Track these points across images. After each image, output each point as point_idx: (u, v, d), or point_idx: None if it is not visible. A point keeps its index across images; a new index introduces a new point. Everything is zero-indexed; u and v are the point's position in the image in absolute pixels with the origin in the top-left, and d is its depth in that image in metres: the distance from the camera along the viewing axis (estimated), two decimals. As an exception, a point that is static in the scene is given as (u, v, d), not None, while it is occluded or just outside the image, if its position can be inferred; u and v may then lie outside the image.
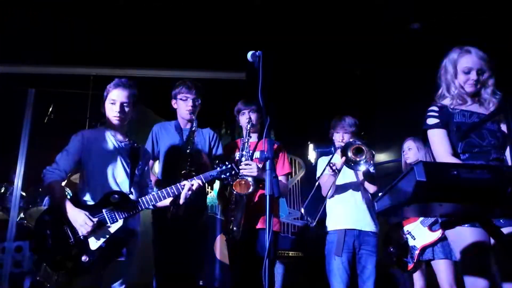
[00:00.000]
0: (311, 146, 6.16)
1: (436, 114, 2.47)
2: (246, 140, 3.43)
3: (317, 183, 3.61)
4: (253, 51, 2.47)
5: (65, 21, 4.98)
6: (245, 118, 3.54)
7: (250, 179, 3.24)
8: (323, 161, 3.70)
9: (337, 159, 3.49)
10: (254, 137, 3.60)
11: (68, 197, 3.01)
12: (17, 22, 4.87)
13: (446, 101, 2.49)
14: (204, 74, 5.85)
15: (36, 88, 4.55)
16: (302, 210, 3.57)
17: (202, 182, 2.80)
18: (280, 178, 3.49)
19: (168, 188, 2.73)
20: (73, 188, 4.58)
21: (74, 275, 2.57)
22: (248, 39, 4.85)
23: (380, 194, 1.84)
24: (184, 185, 2.74)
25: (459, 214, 1.91)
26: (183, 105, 3.40)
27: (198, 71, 5.81)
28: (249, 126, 3.46)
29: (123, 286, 2.70)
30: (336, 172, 3.44)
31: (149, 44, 5.45)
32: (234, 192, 3.28)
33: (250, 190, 3.24)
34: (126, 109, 2.83)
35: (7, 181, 4.86)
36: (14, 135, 4.73)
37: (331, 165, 3.46)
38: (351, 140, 3.47)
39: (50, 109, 5.17)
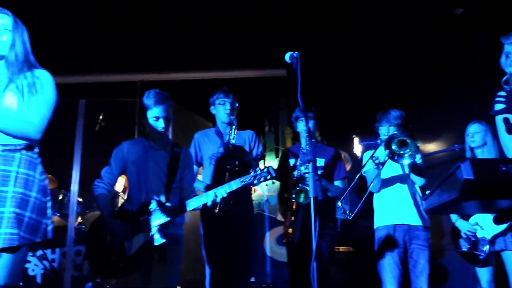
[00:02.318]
0: (356, 140, 6.07)
1: (503, 99, 2.37)
2: (306, 149, 3.44)
3: (357, 175, 3.55)
4: (291, 52, 2.47)
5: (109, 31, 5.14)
6: (303, 125, 3.57)
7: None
8: (368, 155, 3.65)
9: (381, 152, 3.43)
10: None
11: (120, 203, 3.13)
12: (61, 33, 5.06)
13: None
14: (245, 73, 5.90)
15: (86, 98, 4.75)
16: (339, 203, 3.53)
17: (230, 189, 2.71)
18: (337, 183, 3.62)
19: (198, 196, 2.74)
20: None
21: (115, 279, 2.72)
22: (288, 36, 4.85)
23: (427, 192, 1.81)
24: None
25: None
26: (222, 109, 3.48)
27: (239, 71, 5.86)
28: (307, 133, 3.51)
29: None
30: (379, 166, 3.38)
31: (190, 47, 5.54)
32: (294, 201, 3.35)
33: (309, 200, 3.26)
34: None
35: (64, 188, 5.10)
36: (68, 144, 4.98)
37: (373, 159, 3.40)
38: (395, 132, 3.40)
39: (101, 117, 5.37)
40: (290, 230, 3.41)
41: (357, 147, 6.04)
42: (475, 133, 3.68)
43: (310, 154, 2.18)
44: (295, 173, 3.42)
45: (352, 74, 5.86)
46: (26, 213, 2.01)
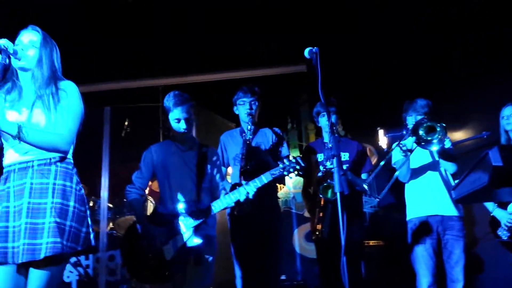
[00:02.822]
0: (381, 132, 6.00)
1: None
2: (331, 144, 3.43)
3: (381, 163, 3.50)
4: (310, 48, 2.46)
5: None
6: (325, 120, 3.57)
7: None
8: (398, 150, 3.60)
9: (409, 140, 3.38)
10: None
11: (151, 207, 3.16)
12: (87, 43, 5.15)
13: None
14: (265, 71, 5.89)
15: (110, 106, 4.83)
16: (365, 186, 3.49)
17: (262, 183, 2.77)
18: (364, 176, 3.63)
19: (230, 193, 2.79)
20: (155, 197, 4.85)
21: (156, 283, 2.74)
22: (305, 35, 4.83)
23: (456, 182, 1.78)
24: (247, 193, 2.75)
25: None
26: (242, 109, 3.49)
27: (259, 69, 5.86)
28: (330, 128, 3.50)
29: None
30: (407, 152, 3.33)
31: (209, 48, 5.56)
32: (321, 196, 3.35)
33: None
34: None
35: (94, 195, 5.20)
36: (96, 151, 5.07)
37: (401, 145, 3.34)
38: (422, 118, 3.35)
39: (126, 124, 5.45)
40: (319, 226, 3.40)
41: (382, 140, 5.97)
42: (510, 115, 3.56)
43: (334, 148, 2.17)
44: (320, 168, 3.41)
45: (374, 66, 5.79)
46: (67, 222, 2.04)
